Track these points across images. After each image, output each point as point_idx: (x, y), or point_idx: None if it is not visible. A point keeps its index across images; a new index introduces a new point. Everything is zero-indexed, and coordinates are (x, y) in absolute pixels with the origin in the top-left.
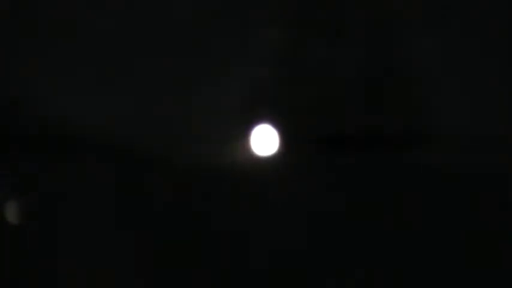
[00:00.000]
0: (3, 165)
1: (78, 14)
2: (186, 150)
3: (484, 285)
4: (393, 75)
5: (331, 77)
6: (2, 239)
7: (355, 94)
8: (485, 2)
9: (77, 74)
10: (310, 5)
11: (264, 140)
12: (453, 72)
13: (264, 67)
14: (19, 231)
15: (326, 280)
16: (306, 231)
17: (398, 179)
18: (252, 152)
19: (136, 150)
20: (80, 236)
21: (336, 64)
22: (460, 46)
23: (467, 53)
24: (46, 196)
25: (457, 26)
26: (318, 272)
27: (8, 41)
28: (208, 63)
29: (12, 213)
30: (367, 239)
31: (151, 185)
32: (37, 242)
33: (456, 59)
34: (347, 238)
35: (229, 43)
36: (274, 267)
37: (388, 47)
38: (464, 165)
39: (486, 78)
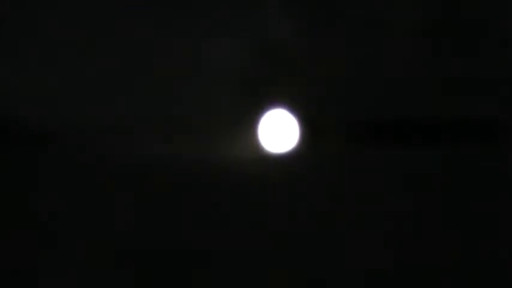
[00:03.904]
0: None
1: None
2: (181, 144)
3: None
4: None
5: (371, 45)
6: None
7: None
8: None
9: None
10: None
11: (278, 132)
12: None
13: (276, 29)
14: None
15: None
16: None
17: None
18: (262, 148)
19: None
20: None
21: (381, 27)
22: None
23: None
24: None
25: None
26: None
27: None
28: (204, 29)
29: None
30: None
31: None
32: None
33: None
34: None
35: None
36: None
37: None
38: None
39: None
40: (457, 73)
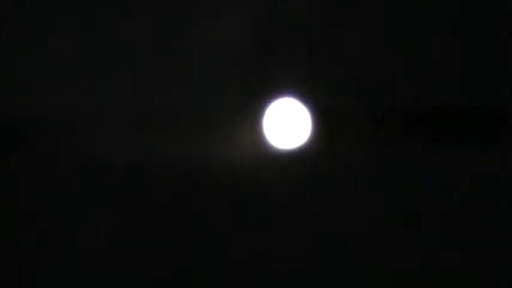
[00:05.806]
0: None
1: None
2: (181, 144)
3: None
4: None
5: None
6: None
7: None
8: None
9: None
10: None
11: (285, 125)
12: None
13: (282, 13)
14: None
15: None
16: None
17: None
18: (269, 142)
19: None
20: None
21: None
22: None
23: None
24: None
25: None
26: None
27: None
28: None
29: None
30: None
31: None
32: None
33: None
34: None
35: None
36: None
37: None
38: None
39: None
40: (457, 73)
